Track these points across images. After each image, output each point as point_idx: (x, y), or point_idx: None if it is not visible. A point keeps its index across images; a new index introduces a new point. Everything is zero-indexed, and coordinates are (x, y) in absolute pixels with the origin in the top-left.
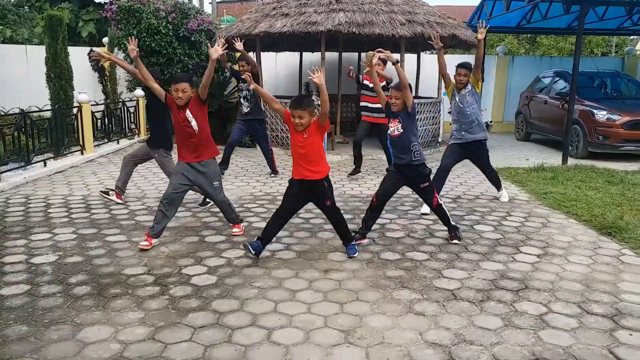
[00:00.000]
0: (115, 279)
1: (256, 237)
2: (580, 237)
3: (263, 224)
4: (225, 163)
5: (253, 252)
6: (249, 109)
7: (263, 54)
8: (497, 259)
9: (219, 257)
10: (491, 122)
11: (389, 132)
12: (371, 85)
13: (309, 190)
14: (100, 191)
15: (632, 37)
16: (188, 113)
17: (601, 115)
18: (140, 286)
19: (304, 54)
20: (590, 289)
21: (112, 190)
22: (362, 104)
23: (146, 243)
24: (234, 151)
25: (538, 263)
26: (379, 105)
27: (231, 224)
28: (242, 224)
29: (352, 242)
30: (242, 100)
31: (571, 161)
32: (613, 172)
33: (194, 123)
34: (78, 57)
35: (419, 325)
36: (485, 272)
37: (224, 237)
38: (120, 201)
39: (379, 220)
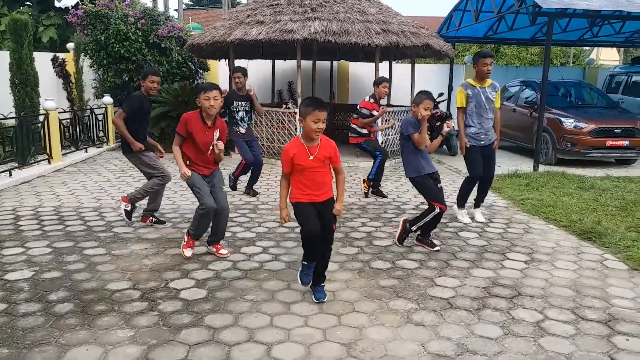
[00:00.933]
0: (98, 295)
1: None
2: (562, 243)
3: (247, 234)
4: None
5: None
6: (245, 130)
7: (235, 62)
8: (487, 266)
9: (206, 270)
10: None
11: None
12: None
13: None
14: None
15: (586, 47)
16: (216, 133)
17: (569, 123)
18: (126, 302)
19: (277, 61)
20: (581, 295)
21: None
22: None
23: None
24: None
25: (526, 269)
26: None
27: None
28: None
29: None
30: (239, 120)
31: (541, 168)
32: (583, 178)
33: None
34: (41, 62)
35: (419, 336)
36: (477, 279)
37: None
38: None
39: (364, 229)
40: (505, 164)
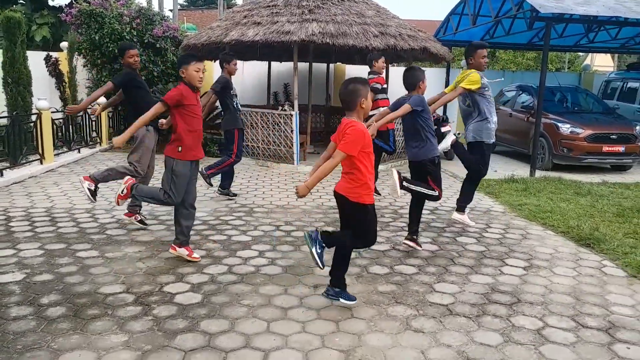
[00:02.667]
0: (91, 299)
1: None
2: (561, 249)
3: (243, 238)
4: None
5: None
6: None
7: None
8: (485, 272)
9: (201, 274)
10: (458, 134)
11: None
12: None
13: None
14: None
15: (581, 53)
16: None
17: (565, 128)
18: (120, 306)
19: (273, 63)
20: (581, 302)
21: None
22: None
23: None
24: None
25: (525, 276)
26: None
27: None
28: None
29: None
30: (238, 109)
31: (538, 173)
32: (580, 184)
33: None
34: (34, 61)
35: (419, 343)
36: (476, 285)
37: (204, 252)
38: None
39: None
40: (502, 168)
